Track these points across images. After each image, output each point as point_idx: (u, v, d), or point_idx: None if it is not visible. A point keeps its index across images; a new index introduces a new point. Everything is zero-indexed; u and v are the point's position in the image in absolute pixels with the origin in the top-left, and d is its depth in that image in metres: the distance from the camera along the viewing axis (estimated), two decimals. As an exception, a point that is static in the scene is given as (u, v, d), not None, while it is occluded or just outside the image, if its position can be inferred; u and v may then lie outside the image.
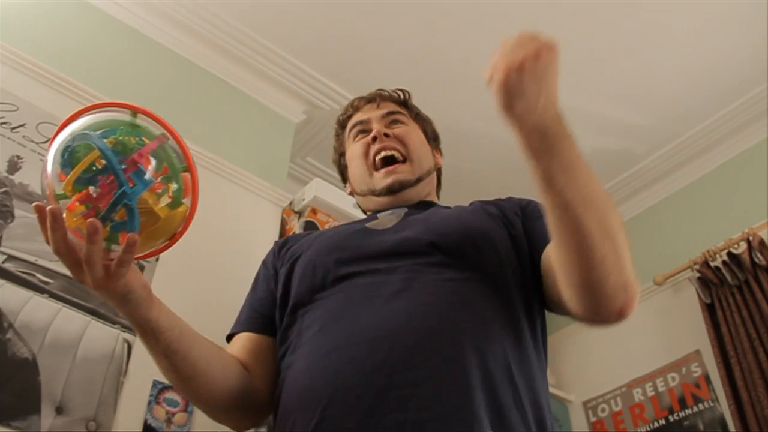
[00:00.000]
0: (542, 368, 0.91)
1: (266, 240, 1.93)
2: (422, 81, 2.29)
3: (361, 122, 1.24)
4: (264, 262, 1.12)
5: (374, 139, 1.19)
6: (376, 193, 1.17)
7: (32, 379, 1.28)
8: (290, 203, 2.08)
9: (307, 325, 0.92)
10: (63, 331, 1.36)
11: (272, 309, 1.02)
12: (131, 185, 0.70)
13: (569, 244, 0.77)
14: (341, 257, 0.98)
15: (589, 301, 0.80)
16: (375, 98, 1.26)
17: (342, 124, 1.30)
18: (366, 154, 1.20)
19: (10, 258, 1.37)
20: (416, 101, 1.30)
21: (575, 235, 0.75)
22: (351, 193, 1.27)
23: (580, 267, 0.77)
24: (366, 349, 0.81)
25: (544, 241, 0.90)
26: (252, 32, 2.17)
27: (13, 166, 1.50)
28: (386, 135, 1.18)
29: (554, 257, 0.84)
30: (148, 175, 0.73)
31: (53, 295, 1.39)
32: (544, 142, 0.71)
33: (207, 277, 1.71)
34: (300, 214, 2.05)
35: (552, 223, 0.78)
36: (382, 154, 1.18)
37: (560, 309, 0.90)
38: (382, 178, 1.17)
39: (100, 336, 1.41)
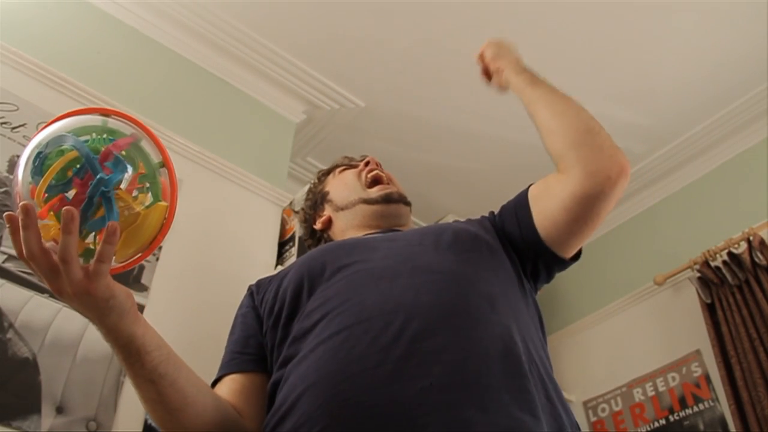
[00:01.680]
0: (543, 338, 0.96)
1: (266, 240, 1.93)
2: (422, 81, 2.30)
3: (349, 163, 1.31)
4: (240, 306, 1.09)
5: (367, 164, 1.25)
6: (371, 201, 1.18)
7: (32, 378, 1.28)
8: (290, 203, 2.07)
9: (308, 317, 0.89)
10: (63, 330, 1.36)
11: (255, 345, 0.99)
12: (107, 173, 0.68)
13: (558, 105, 0.99)
14: (336, 253, 0.98)
15: (590, 153, 0.92)
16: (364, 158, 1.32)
17: (323, 174, 1.35)
18: (358, 173, 1.25)
19: (11, 258, 1.37)
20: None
21: (563, 98, 1.00)
22: (323, 226, 1.26)
23: (577, 120, 0.96)
24: (380, 323, 0.80)
25: (522, 200, 1.01)
26: (252, 32, 2.17)
27: (14, 166, 1.50)
28: (378, 165, 1.26)
29: (551, 137, 0.98)
30: (124, 164, 0.70)
31: (54, 295, 1.38)
32: (517, 79, 1.10)
33: (207, 277, 1.70)
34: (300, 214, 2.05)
35: (543, 103, 1.01)
36: (375, 172, 1.23)
37: (556, 228, 0.96)
38: (378, 190, 1.20)
39: (101, 336, 1.41)
